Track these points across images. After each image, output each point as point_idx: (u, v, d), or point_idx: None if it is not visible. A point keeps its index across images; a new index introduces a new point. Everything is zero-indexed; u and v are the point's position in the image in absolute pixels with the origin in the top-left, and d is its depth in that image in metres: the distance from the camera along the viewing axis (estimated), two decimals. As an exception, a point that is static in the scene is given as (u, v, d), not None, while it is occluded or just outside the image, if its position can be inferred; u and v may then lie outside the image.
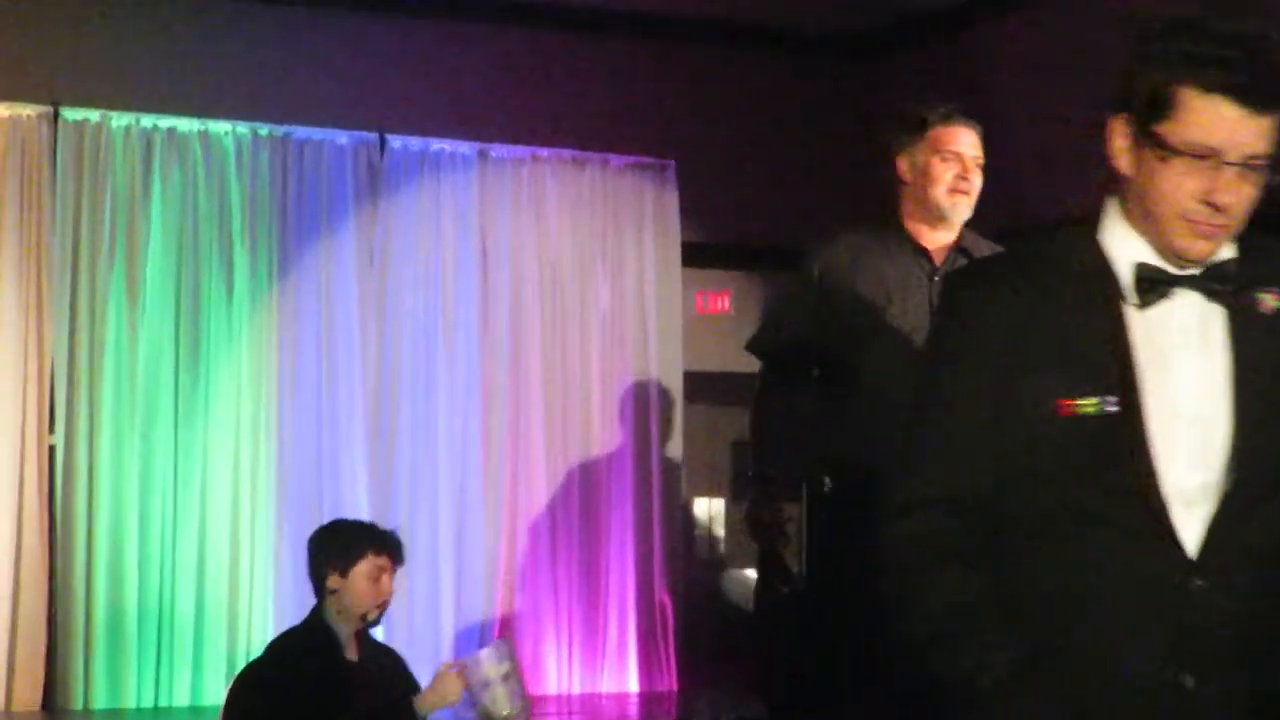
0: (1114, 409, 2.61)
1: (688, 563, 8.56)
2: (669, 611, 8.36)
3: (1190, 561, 2.60)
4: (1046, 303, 2.66)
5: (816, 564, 5.02)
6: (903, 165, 4.97)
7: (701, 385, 8.60)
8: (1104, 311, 2.65)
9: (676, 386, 8.52)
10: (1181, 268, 2.66)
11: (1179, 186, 2.59)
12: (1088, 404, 2.61)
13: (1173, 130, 2.58)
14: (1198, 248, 2.63)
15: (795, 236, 8.70)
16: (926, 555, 2.68)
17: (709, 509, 8.74)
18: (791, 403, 5.09)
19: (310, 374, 7.91)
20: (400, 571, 5.39)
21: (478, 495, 8.12)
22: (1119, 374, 2.62)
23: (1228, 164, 2.57)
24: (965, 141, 4.93)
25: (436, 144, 8.27)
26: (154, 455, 7.66)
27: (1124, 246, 2.68)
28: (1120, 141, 2.65)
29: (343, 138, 8.09)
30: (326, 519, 6.20)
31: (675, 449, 8.49)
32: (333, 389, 7.93)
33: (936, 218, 4.94)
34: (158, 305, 7.72)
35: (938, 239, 4.97)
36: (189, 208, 7.80)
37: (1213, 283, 2.66)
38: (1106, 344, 2.64)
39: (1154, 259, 2.66)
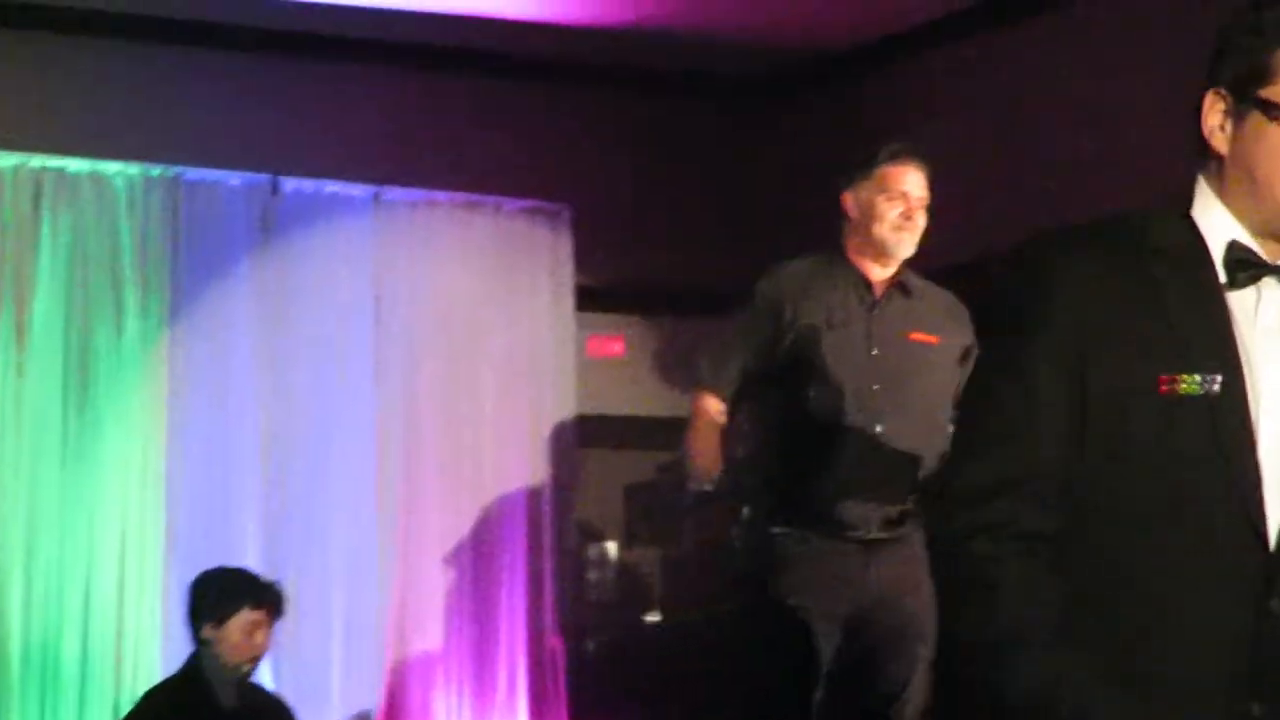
0: (1217, 388, 2.44)
1: (579, 606, 8.55)
2: (560, 655, 8.35)
3: (1273, 567, 2.44)
4: (1141, 277, 2.50)
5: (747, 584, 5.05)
6: (849, 202, 5.08)
7: (595, 429, 8.60)
8: (1201, 290, 2.51)
9: (569, 430, 8.52)
10: (1275, 256, 2.53)
11: None
12: (1190, 381, 2.45)
13: None
14: None
15: (689, 280, 8.81)
16: (1000, 549, 2.45)
17: (601, 552, 8.74)
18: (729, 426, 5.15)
19: (201, 418, 7.84)
20: (290, 618, 5.36)
21: (370, 540, 8.08)
22: (1221, 353, 2.47)
23: None
24: (912, 181, 5.03)
25: (330, 186, 8.23)
26: (41, 499, 7.57)
27: (1218, 225, 2.55)
28: (1216, 118, 2.55)
29: (235, 179, 8.04)
30: (216, 565, 6.16)
31: (568, 493, 8.49)
32: (224, 433, 7.87)
33: (880, 253, 5.03)
34: (46, 347, 7.64)
35: (880, 272, 5.06)
36: (79, 249, 7.73)
37: None
38: (1209, 323, 2.48)
39: (1247, 241, 2.53)
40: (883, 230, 5.02)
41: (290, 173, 8.14)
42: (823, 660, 5.00)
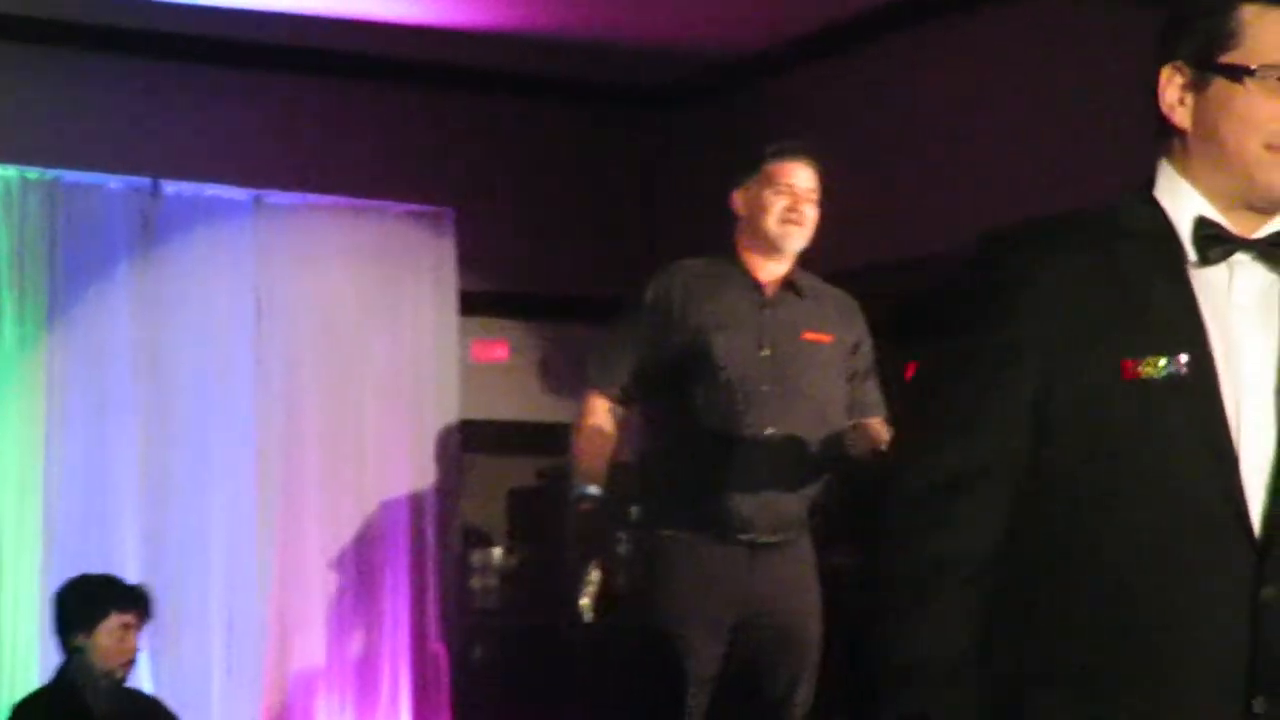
0: (1184, 370, 2.38)
1: (463, 613, 8.52)
2: (443, 662, 8.32)
3: (1261, 554, 2.37)
4: (1106, 262, 2.44)
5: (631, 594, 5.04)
6: (738, 200, 5.08)
7: (478, 434, 8.59)
8: (1167, 270, 2.45)
9: (453, 435, 8.50)
10: (1245, 230, 2.48)
11: (1262, 110, 2.44)
12: (1154, 364, 2.39)
13: (1244, 55, 2.44)
14: None
15: (574, 286, 8.81)
16: (940, 563, 2.40)
17: (485, 558, 8.71)
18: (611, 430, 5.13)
19: (79, 424, 7.75)
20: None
21: (251, 547, 8.02)
22: (1186, 332, 2.41)
23: None
24: (798, 175, 5.04)
25: (211, 189, 8.16)
26: (-85, 506, 7.47)
27: (1184, 204, 2.49)
28: (1175, 93, 2.52)
29: (115, 183, 7.95)
30: (96, 572, 6.09)
31: (451, 498, 8.46)
32: (103, 439, 7.78)
33: (769, 248, 5.04)
34: (-79, 352, 7.53)
35: (771, 271, 5.06)
36: (-45, 253, 7.63)
37: (1278, 249, 2.48)
38: (1171, 303, 2.42)
39: (1216, 217, 2.47)
40: (770, 223, 5.02)
41: (170, 176, 8.06)
42: (703, 665, 4.99)
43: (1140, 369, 2.39)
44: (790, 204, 5.02)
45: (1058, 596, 2.42)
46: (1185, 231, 2.48)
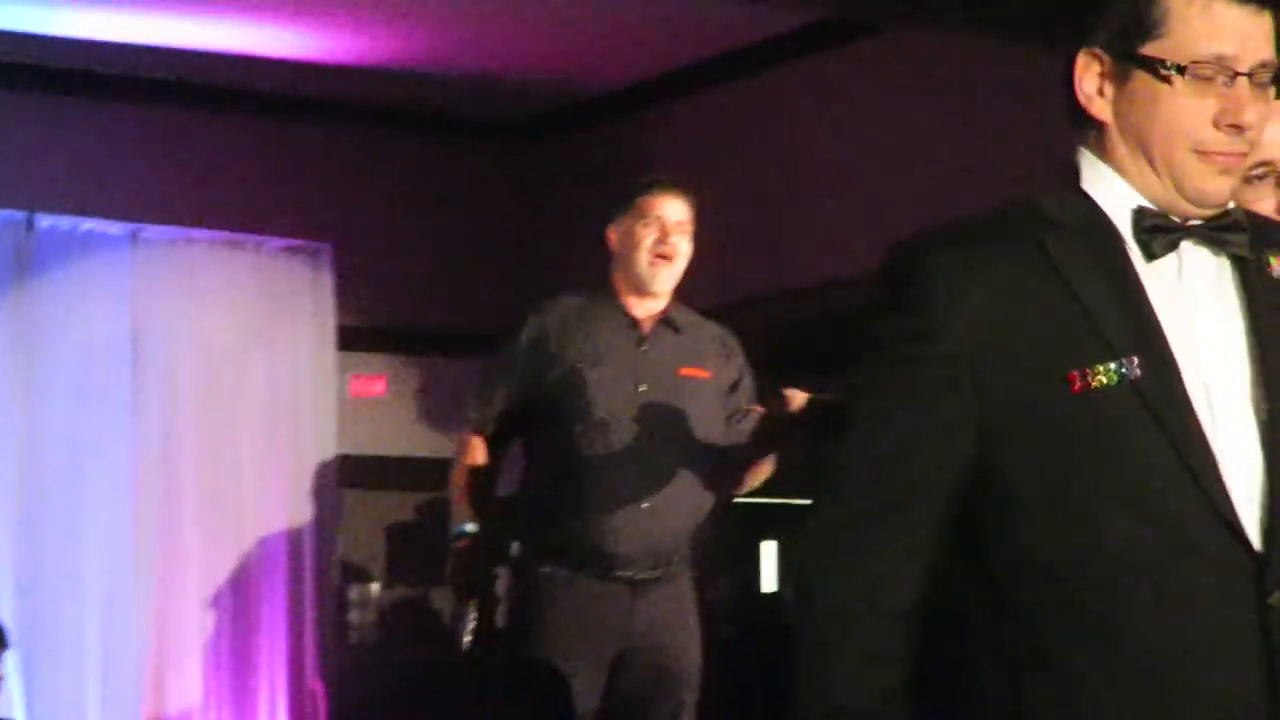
0: (1139, 372, 2.13)
1: (340, 649, 8.50)
2: (321, 698, 8.29)
3: (1260, 566, 2.14)
4: (1037, 263, 2.18)
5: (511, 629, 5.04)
6: (612, 236, 5.10)
7: (356, 470, 8.57)
8: (1108, 265, 2.20)
9: (331, 470, 8.47)
10: (1184, 219, 2.24)
11: (1188, 113, 2.19)
12: (1104, 371, 2.14)
13: (1169, 48, 2.19)
14: (1216, 185, 2.22)
15: (452, 320, 8.82)
16: (858, 601, 2.17)
17: (363, 593, 8.69)
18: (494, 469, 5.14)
19: (-47, 458, 7.68)
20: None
21: (128, 582, 7.95)
22: (1135, 331, 2.16)
23: (1240, 74, 2.18)
24: (669, 208, 5.05)
25: (87, 224, 8.11)
26: None
27: (1117, 195, 2.24)
28: (1093, 82, 2.25)
29: (-11, 217, 7.90)
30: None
31: (329, 534, 8.44)
32: (-24, 474, 7.71)
33: (642, 285, 5.05)
34: None
35: (648, 306, 5.08)
36: None
37: (1225, 233, 2.24)
38: (1116, 301, 2.18)
39: (1153, 207, 2.24)
40: (641, 257, 5.04)
41: (46, 210, 8.00)
42: (584, 700, 5.01)
43: (1090, 379, 2.14)
44: (660, 236, 5.04)
45: (1054, 635, 2.19)
46: (1124, 223, 2.23)
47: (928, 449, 2.19)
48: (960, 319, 2.18)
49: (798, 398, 4.73)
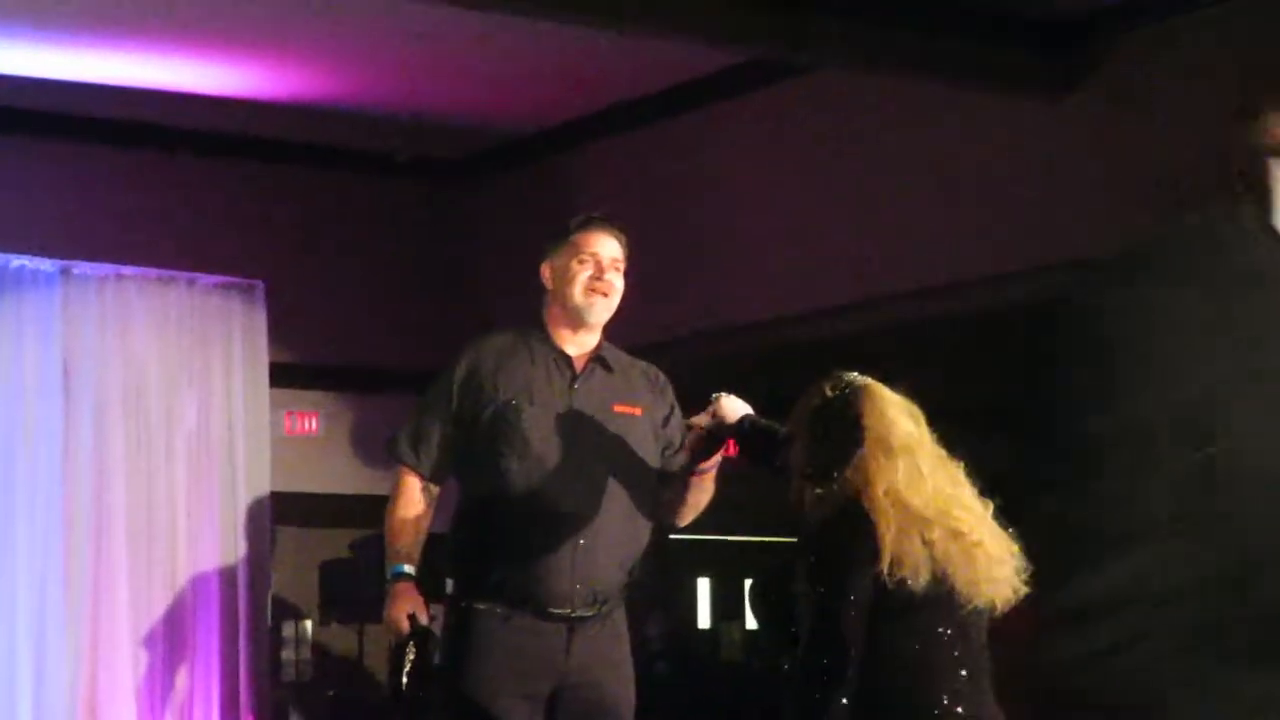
0: None
1: (274, 685, 8.48)
2: (254, 734, 8.27)
3: None
4: (1231, 305, 1.87)
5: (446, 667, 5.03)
6: (545, 272, 5.12)
7: (290, 506, 8.57)
8: None
9: (264, 507, 8.46)
10: None
11: None
12: None
13: None
14: None
15: (385, 358, 8.83)
16: (1134, 690, 1.82)
17: (296, 630, 8.68)
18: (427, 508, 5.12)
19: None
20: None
21: (59, 620, 7.92)
22: None
23: None
24: (602, 244, 5.09)
25: (17, 260, 8.10)
26: None
27: None
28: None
29: (-80, 254, 7.87)
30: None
31: (262, 571, 8.42)
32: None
33: (576, 319, 5.08)
34: None
35: (581, 343, 5.11)
36: None
37: None
38: None
39: None
40: (575, 291, 5.07)
41: (-24, 247, 7.98)
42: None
43: None
44: (595, 273, 5.08)
45: None
46: None
47: (1152, 511, 1.87)
48: (1163, 363, 1.88)
49: (727, 404, 4.79)
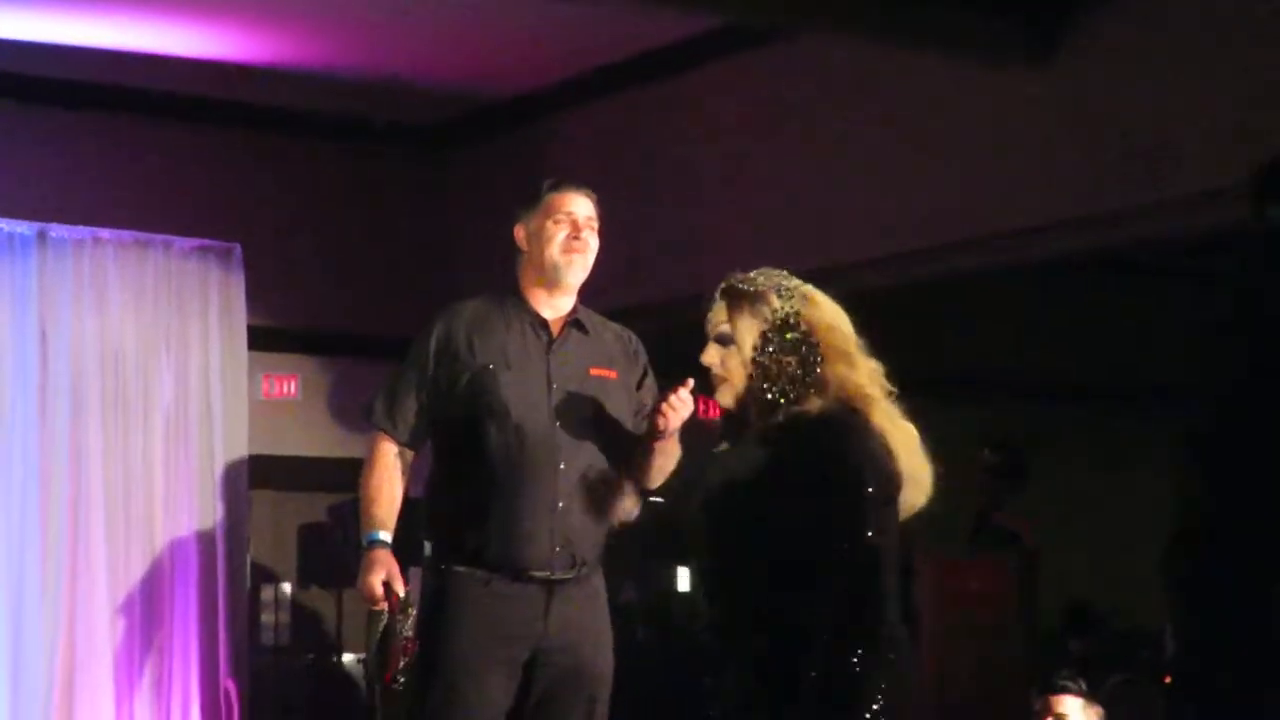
0: None
1: (253, 648, 8.48)
2: (234, 697, 8.26)
3: None
4: None
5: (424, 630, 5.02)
6: (520, 234, 5.13)
7: (268, 470, 8.55)
8: None
9: (242, 471, 8.44)
10: None
11: None
12: None
13: None
14: None
15: (363, 322, 8.82)
16: None
17: (275, 594, 8.68)
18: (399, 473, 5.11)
19: None
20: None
21: (35, 586, 7.91)
22: None
23: None
24: (578, 204, 5.11)
25: (-6, 224, 8.08)
26: None
27: None
28: None
29: (-104, 217, 7.84)
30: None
31: (240, 535, 8.41)
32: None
33: (552, 280, 5.09)
34: None
35: (556, 307, 5.12)
36: None
37: None
38: None
39: None
40: (552, 252, 5.08)
41: (-47, 210, 7.96)
42: (496, 702, 5.02)
43: None
44: (572, 232, 5.09)
45: None
46: None
47: None
48: None
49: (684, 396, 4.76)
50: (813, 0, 6.56)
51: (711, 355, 4.16)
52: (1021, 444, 8.63)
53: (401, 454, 5.14)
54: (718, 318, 4.17)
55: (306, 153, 8.86)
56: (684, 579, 10.18)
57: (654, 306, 7.51)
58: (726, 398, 4.13)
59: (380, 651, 4.95)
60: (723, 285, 4.20)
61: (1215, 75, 6.16)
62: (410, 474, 5.20)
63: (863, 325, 4.15)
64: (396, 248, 9.01)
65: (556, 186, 5.16)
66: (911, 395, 4.09)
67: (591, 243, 5.13)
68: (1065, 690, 5.95)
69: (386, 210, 9.04)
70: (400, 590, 4.96)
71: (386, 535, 5.03)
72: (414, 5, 7.36)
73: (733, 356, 4.12)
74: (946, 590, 7.97)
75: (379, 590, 4.95)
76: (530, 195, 5.18)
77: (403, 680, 4.96)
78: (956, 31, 6.64)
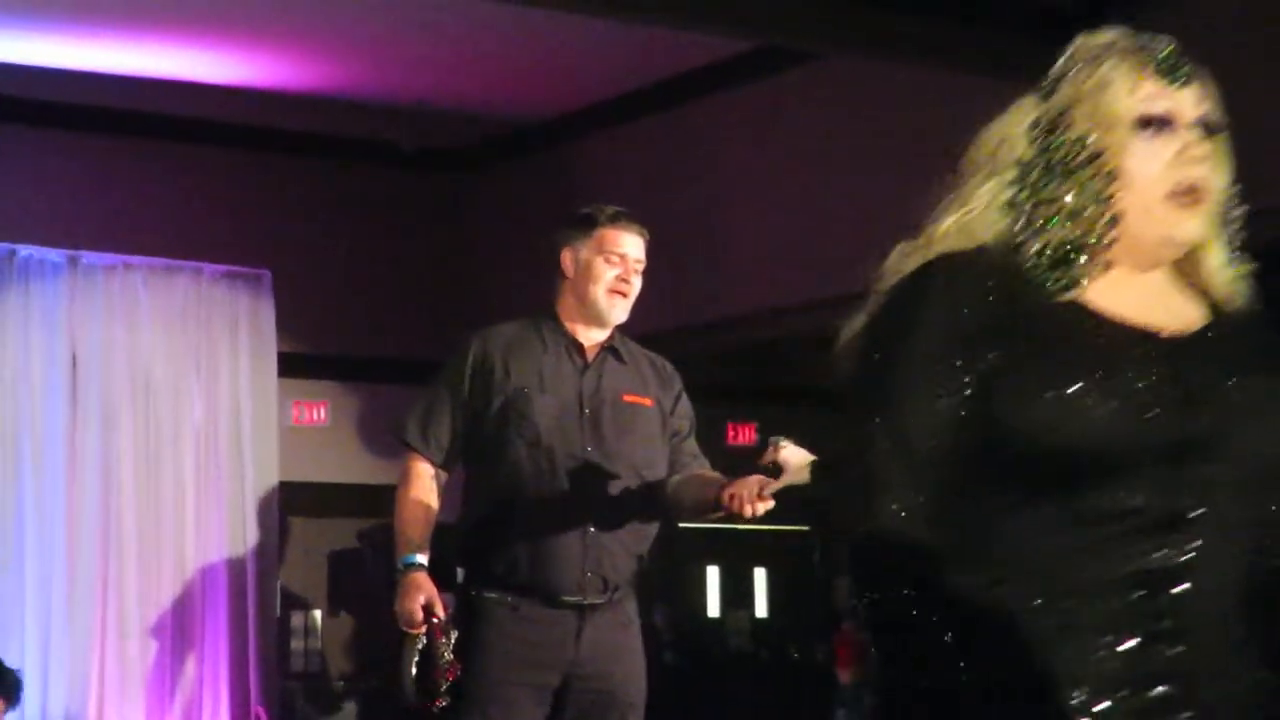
0: None
1: (283, 675, 8.48)
2: (263, 724, 8.27)
3: None
4: None
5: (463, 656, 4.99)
6: (567, 259, 5.06)
7: (298, 496, 8.55)
8: None
9: (272, 498, 8.45)
10: None
11: None
12: None
13: None
14: None
15: (393, 347, 8.82)
16: None
17: (305, 621, 8.67)
18: (435, 493, 5.09)
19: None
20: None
21: (63, 613, 7.92)
22: None
23: None
24: (630, 244, 5.05)
25: (25, 249, 8.09)
26: None
27: None
28: None
29: (-73, 244, 7.87)
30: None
31: (271, 561, 8.41)
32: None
33: (593, 316, 5.05)
34: None
35: (592, 336, 5.08)
36: None
37: None
38: None
39: None
40: (598, 292, 5.04)
41: (-16, 237, 7.98)
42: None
43: None
44: (622, 274, 5.04)
45: None
46: None
47: None
48: None
49: (786, 451, 4.66)
50: (838, 24, 6.55)
51: None
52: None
53: (436, 476, 5.11)
54: None
55: (335, 178, 8.87)
56: (713, 603, 10.15)
57: (687, 330, 7.49)
58: None
59: (422, 676, 4.92)
60: None
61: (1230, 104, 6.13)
62: (443, 498, 5.18)
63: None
64: (424, 273, 9.01)
65: (614, 220, 5.07)
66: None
67: (637, 285, 5.09)
68: None
69: (416, 234, 9.04)
70: (440, 613, 4.92)
71: (423, 558, 5.00)
72: (441, 32, 7.37)
73: None
74: None
75: (419, 615, 4.91)
76: (583, 220, 5.09)
77: (446, 704, 4.93)
78: (979, 52, 6.63)
